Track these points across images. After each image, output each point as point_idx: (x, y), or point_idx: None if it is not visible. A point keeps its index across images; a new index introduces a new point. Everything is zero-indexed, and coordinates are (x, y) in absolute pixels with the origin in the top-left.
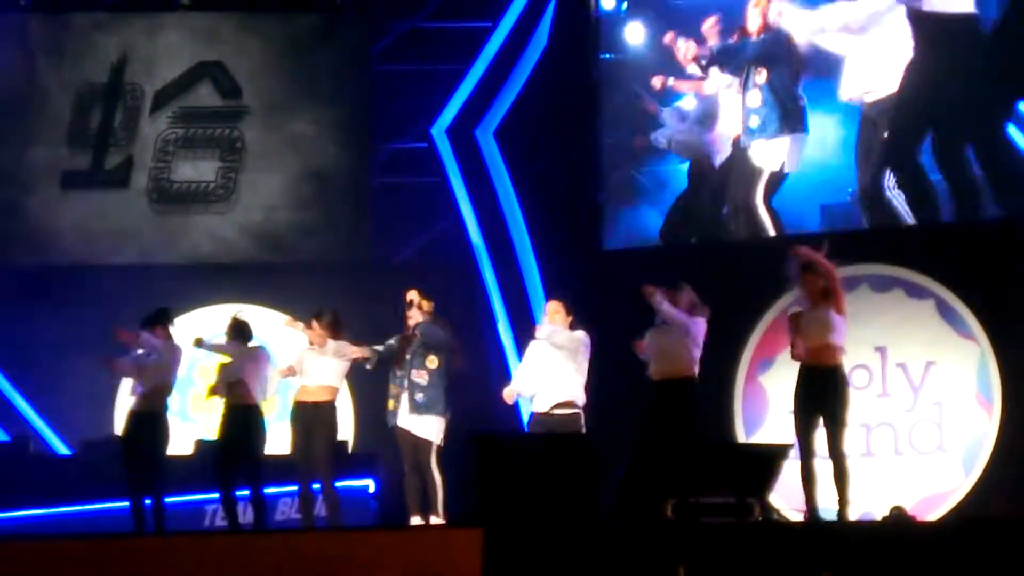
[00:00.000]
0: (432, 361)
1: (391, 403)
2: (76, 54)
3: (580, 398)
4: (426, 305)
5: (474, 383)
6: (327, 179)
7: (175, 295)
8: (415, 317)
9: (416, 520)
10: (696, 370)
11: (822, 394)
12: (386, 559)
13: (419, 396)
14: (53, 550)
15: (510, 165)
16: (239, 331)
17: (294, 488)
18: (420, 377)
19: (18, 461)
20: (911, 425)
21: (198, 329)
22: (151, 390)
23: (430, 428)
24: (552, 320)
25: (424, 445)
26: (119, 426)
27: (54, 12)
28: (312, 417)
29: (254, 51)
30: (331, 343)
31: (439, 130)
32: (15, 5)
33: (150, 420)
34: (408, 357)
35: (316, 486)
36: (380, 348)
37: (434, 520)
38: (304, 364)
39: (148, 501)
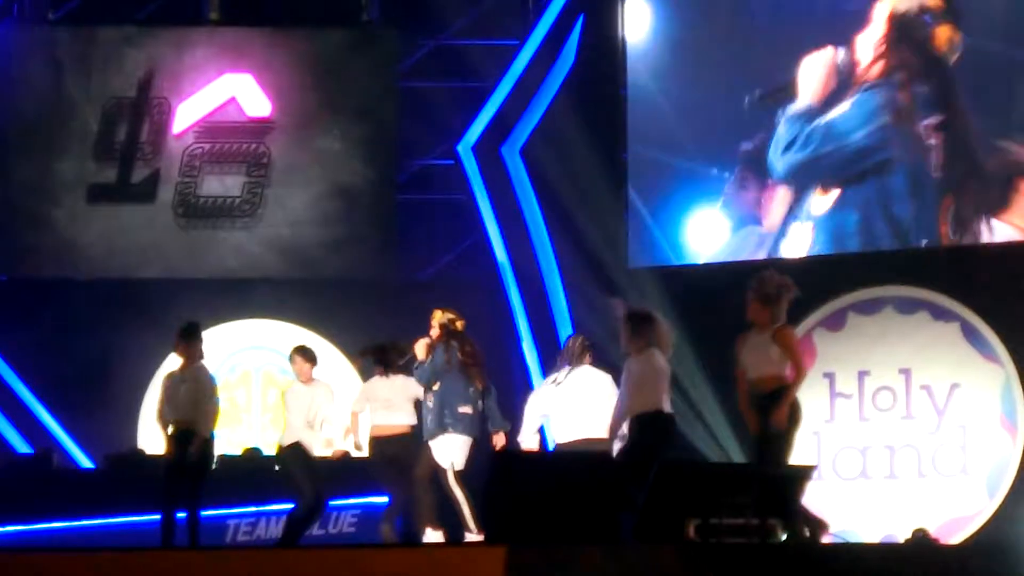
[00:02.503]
0: (437, 385)
1: None
2: (104, 68)
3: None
4: (433, 331)
5: (498, 401)
6: (353, 195)
7: (200, 310)
8: (422, 345)
9: (429, 534)
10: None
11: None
12: None
13: (427, 418)
14: (76, 563)
15: (536, 183)
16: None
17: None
18: (428, 400)
19: (42, 474)
20: (935, 447)
21: (221, 343)
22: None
23: (440, 450)
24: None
25: (429, 465)
26: (143, 440)
27: (82, 26)
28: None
29: (281, 67)
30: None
31: (465, 147)
32: (43, 19)
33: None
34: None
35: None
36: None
37: (430, 535)
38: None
39: (183, 514)
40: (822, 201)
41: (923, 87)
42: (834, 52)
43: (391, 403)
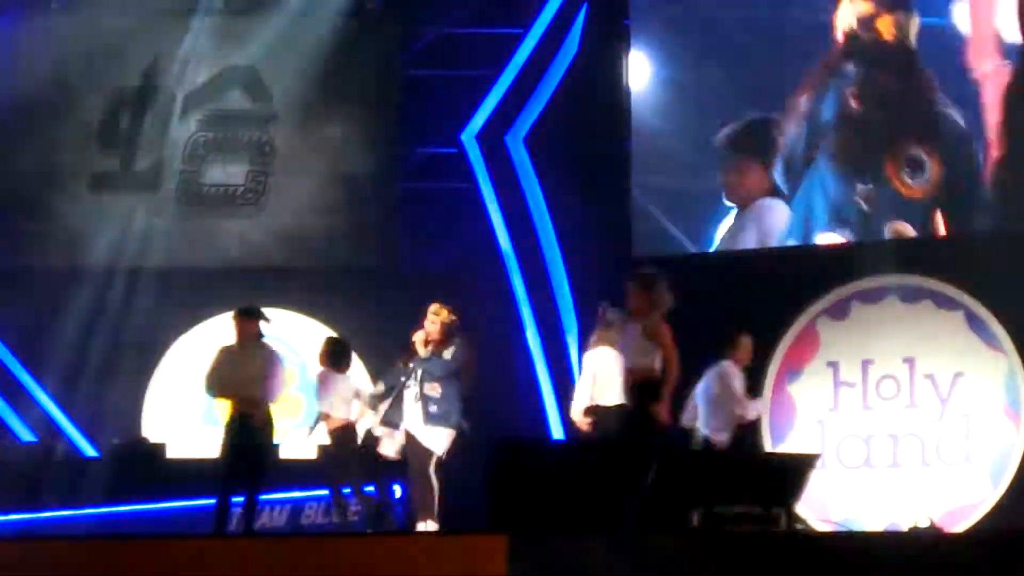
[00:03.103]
0: (443, 377)
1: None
2: (107, 56)
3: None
4: (435, 327)
5: (501, 390)
6: (356, 183)
7: (203, 298)
8: (419, 339)
9: (422, 525)
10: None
11: None
12: (411, 565)
13: (432, 408)
14: (80, 551)
15: (539, 171)
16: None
17: (322, 492)
18: (433, 390)
19: (45, 463)
20: (938, 436)
21: (223, 333)
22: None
23: (436, 440)
24: None
25: (426, 454)
26: (147, 428)
27: (86, 14)
28: None
29: (285, 56)
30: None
31: (469, 136)
32: (47, 7)
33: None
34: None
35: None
36: (380, 390)
37: (430, 525)
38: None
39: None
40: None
41: (848, 64)
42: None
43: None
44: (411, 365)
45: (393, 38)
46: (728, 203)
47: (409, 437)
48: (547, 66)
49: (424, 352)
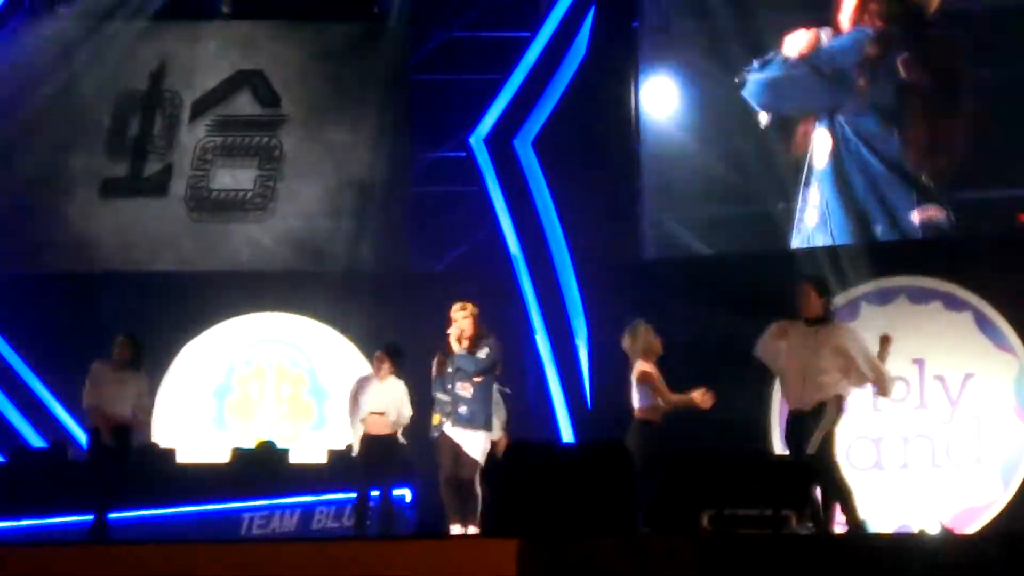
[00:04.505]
0: (477, 375)
1: (437, 417)
2: (116, 62)
3: None
4: (467, 321)
5: (511, 393)
6: (365, 188)
7: (212, 303)
8: (453, 335)
9: (456, 528)
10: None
11: None
12: (422, 569)
13: (463, 409)
14: (90, 556)
15: (548, 175)
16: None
17: (332, 497)
18: (464, 390)
19: (56, 467)
20: (949, 438)
21: (235, 337)
22: None
23: (475, 444)
24: None
25: (469, 462)
26: (156, 433)
27: (94, 20)
28: None
29: (293, 60)
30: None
31: (477, 139)
32: (55, 12)
33: None
34: (451, 370)
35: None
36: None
37: (472, 529)
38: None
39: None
40: (821, 154)
41: (895, 27)
42: (817, 31)
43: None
44: (447, 368)
45: (401, 42)
46: None
47: (445, 439)
48: (555, 69)
49: (459, 349)
